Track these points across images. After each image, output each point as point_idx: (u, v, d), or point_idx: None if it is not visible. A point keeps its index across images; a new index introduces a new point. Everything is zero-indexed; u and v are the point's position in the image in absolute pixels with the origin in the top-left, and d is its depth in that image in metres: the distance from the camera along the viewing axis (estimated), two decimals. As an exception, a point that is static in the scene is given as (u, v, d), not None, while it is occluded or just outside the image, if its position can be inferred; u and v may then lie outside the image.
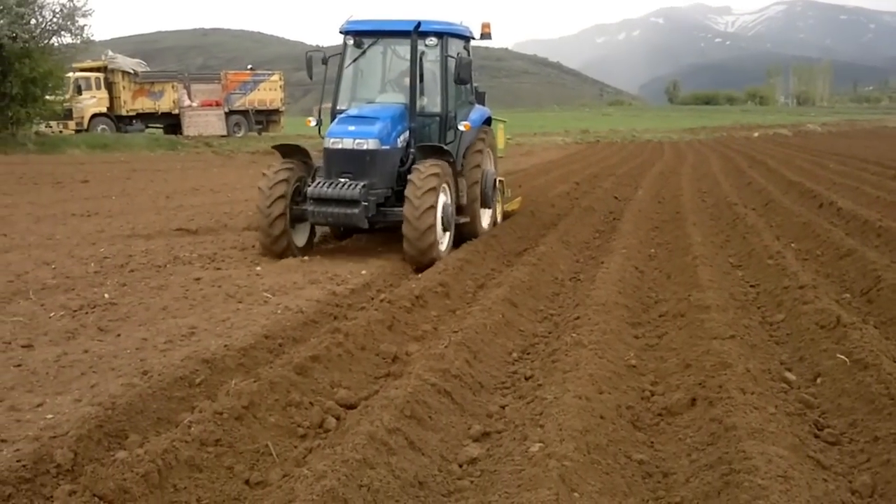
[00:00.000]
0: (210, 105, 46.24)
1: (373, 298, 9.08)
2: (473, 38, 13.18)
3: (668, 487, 4.65)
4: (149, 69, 47.66)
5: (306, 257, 11.23)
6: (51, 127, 39.42)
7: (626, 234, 12.81)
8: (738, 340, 6.85)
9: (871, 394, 5.50)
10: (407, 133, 11.72)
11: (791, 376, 6.33)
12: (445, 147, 11.75)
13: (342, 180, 10.99)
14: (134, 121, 44.31)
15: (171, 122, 45.83)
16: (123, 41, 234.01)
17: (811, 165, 27.22)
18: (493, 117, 14.16)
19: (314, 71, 12.12)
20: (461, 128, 12.23)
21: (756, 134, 62.97)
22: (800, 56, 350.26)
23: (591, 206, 16.99)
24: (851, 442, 5.16)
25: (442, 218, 11.12)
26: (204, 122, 45.67)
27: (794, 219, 13.87)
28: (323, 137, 11.61)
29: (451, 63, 11.90)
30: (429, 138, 12.08)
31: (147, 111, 44.60)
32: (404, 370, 6.51)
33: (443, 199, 11.16)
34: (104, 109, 42.56)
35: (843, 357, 6.24)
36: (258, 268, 10.61)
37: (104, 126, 42.18)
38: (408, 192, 10.78)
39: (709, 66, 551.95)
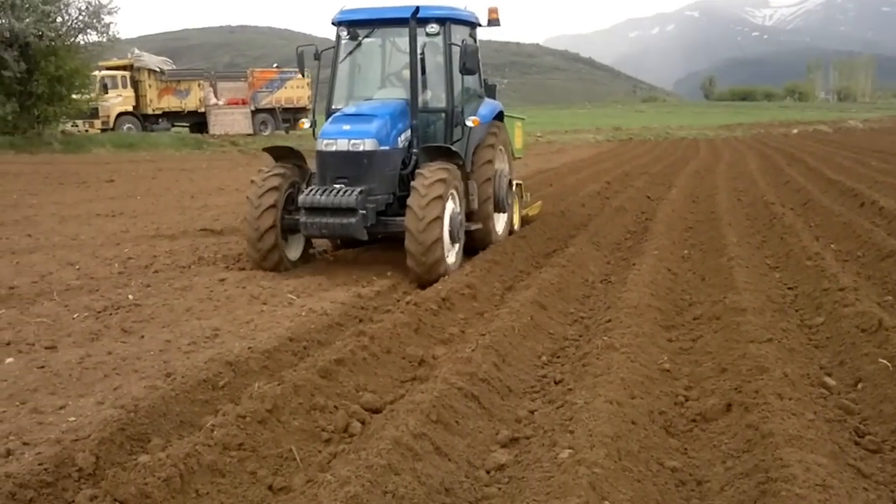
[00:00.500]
0: (236, 103, 46.58)
1: (398, 301, 9.09)
2: (480, 25, 12.19)
3: (702, 496, 4.60)
4: (175, 67, 48.03)
5: (331, 257, 11.14)
6: (77, 126, 39.89)
7: (659, 234, 12.72)
8: (776, 344, 6.78)
9: (914, 400, 5.42)
10: (409, 131, 10.84)
11: (831, 381, 6.25)
12: (453, 147, 10.83)
13: (337, 186, 10.12)
14: (160, 119, 44.73)
15: (198, 121, 46.23)
16: (150, 39, 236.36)
17: (852, 163, 26.86)
18: (509, 114, 13.51)
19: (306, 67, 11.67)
20: (469, 123, 11.23)
21: (795, 131, 62.48)
22: (841, 50, 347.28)
23: (622, 205, 16.89)
24: (894, 450, 5.08)
25: (450, 229, 10.19)
26: (230, 121, 46.05)
27: (834, 218, 13.70)
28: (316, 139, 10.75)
29: (456, 52, 10.92)
30: (433, 137, 11.24)
31: (173, 110, 45.00)
32: (431, 374, 6.50)
33: (450, 207, 10.22)
34: (130, 108, 43.03)
35: (885, 361, 6.14)
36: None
37: (130, 125, 42.62)
38: (411, 201, 9.88)
39: (746, 61, 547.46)
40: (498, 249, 11.31)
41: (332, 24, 11.50)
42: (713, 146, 44.61)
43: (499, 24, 12.37)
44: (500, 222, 12.28)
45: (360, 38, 11.50)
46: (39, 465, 4.57)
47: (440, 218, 9.81)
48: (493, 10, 12.27)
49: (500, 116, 12.56)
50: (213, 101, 45.91)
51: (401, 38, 11.28)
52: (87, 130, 40.22)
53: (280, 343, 7.04)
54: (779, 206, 15.68)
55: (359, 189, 9.99)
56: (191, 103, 45.30)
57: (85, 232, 13.89)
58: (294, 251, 10.99)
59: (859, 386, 6.13)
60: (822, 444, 4.81)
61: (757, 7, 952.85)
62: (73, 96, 36.00)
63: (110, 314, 8.39)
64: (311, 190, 10.20)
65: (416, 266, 9.86)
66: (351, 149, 10.18)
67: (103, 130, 40.74)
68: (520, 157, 14.79)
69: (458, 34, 11.37)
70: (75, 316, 8.27)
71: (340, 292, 9.24)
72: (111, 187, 22.15)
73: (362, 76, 11.86)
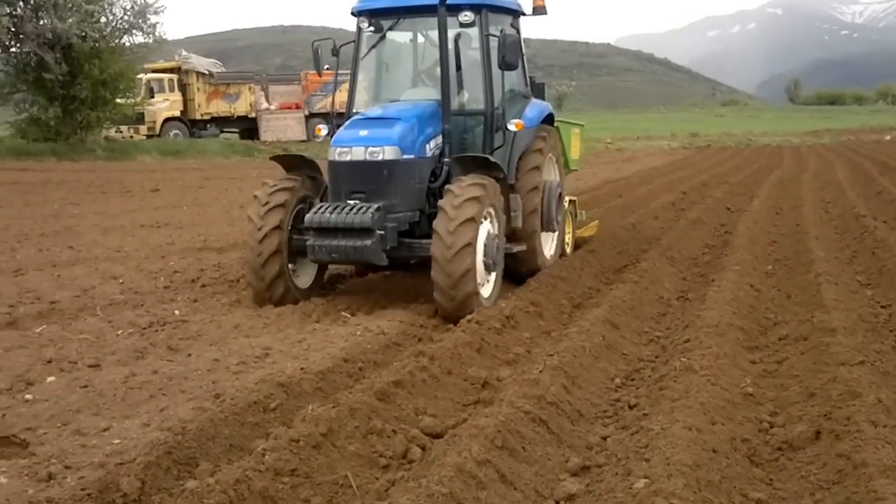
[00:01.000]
0: (289, 108, 46.79)
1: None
2: (523, 14, 11.12)
3: (790, 532, 4.53)
4: (224, 70, 48.70)
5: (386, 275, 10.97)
6: (121, 132, 40.53)
7: (740, 248, 12.57)
8: (869, 367, 6.65)
9: None
10: (439, 138, 9.74)
11: (930, 409, 6.12)
12: (491, 157, 9.65)
13: (351, 203, 9.10)
14: (208, 125, 45.30)
15: (248, 127, 46.70)
16: (198, 40, 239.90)
17: (952, 172, 26.37)
18: (567, 120, 12.89)
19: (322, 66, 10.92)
20: (511, 127, 10.05)
21: (888, 137, 61.27)
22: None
23: (699, 217, 16.74)
24: None
25: (484, 257, 9.08)
26: (282, 127, 46.18)
27: (933, 232, 13.44)
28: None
29: (495, 44, 9.76)
30: (471, 144, 10.24)
31: (222, 115, 45.53)
32: (495, 397, 6.48)
33: (486, 229, 9.10)
34: (177, 113, 43.63)
35: None
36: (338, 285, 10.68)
37: (177, 131, 43.20)
38: (437, 224, 8.76)
39: (834, 62, 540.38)
40: (564, 264, 11.24)
41: (352, 14, 10.62)
42: (798, 154, 44.07)
43: (545, 13, 11.34)
44: (548, 243, 11.29)
45: (384, 31, 10.59)
46: (82, 489, 4.63)
47: (472, 245, 8.67)
48: None
49: (549, 120, 11.51)
50: (265, 105, 46.29)
51: (433, 30, 10.23)
52: (131, 136, 40.95)
53: (334, 363, 7.06)
54: (870, 219, 15.40)
55: (375, 205, 8.95)
56: (241, 108, 45.80)
57: (129, 244, 14.12)
58: (304, 278, 9.99)
59: (962, 414, 6.00)
60: (922, 478, 4.71)
61: (845, 3, 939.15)
62: (118, 100, 36.63)
63: (156, 331, 8.50)
64: (321, 207, 9.29)
65: (443, 300, 8.82)
66: (368, 158, 9.24)
67: (149, 136, 41.43)
68: (575, 170, 14.02)
69: (497, 24, 10.39)
70: (119, 332, 8.38)
71: (397, 310, 9.19)
72: (156, 197, 22.51)
73: (389, 75, 11.05)
